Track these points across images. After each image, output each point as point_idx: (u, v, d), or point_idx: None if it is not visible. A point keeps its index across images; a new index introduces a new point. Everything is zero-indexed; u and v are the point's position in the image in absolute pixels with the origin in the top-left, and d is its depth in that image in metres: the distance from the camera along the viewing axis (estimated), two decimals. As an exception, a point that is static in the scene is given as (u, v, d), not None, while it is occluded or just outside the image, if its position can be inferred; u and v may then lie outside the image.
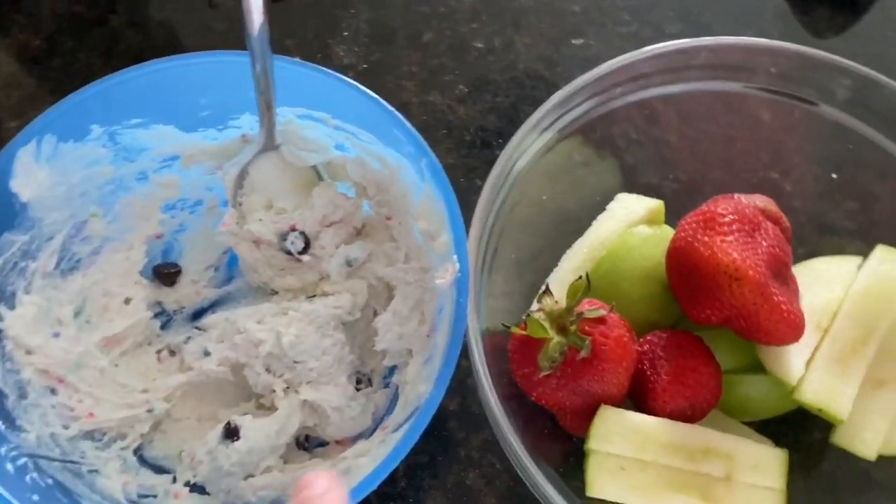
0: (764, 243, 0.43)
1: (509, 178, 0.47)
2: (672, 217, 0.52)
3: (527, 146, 0.48)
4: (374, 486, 0.36)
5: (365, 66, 0.62)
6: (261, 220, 0.48)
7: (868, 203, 0.55)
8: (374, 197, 0.49)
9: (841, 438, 0.46)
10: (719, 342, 0.47)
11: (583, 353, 0.42)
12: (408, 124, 0.43)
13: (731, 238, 0.43)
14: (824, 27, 0.66)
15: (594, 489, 0.42)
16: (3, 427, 0.41)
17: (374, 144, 0.46)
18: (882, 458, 0.46)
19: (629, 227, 0.51)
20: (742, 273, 0.42)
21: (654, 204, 0.52)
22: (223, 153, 0.49)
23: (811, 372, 0.45)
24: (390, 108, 0.44)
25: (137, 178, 0.49)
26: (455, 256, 0.40)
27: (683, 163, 0.58)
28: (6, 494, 0.36)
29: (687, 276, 0.45)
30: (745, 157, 0.58)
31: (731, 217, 0.44)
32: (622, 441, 0.43)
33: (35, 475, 0.40)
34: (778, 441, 0.47)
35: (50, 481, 0.40)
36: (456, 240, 0.41)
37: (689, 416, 0.45)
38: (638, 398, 0.46)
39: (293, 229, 0.48)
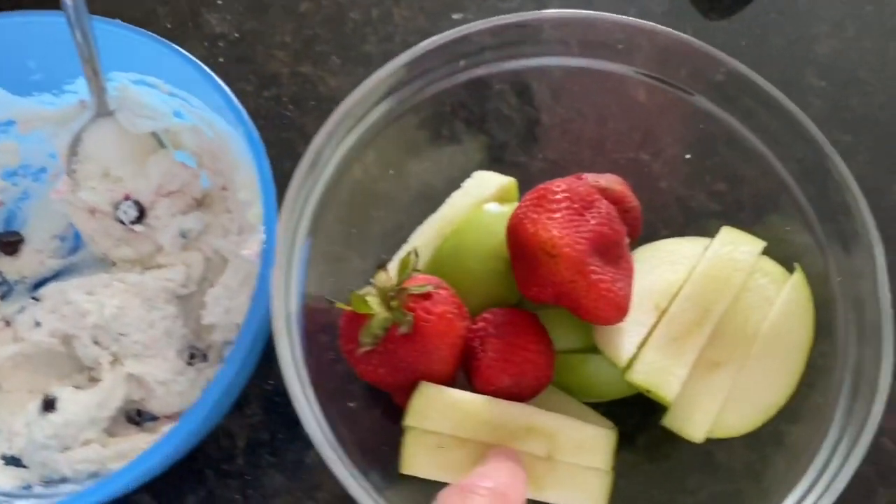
0: (592, 221, 0.43)
1: (344, 144, 0.46)
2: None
3: (364, 113, 0.46)
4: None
5: (237, 35, 0.60)
6: (93, 188, 0.47)
7: (734, 186, 0.54)
8: (210, 166, 0.47)
9: (671, 421, 0.45)
10: (561, 321, 0.47)
11: (402, 329, 0.41)
12: (226, 88, 0.42)
13: (557, 215, 0.42)
14: (710, 6, 0.65)
15: (408, 466, 0.42)
16: None
17: (205, 111, 0.45)
18: (724, 441, 0.46)
19: (480, 203, 0.50)
20: (558, 250, 0.41)
21: (506, 181, 0.50)
22: (62, 118, 0.48)
23: (644, 353, 0.44)
24: (209, 72, 0.42)
25: (-30, 143, 0.48)
26: (262, 228, 0.39)
27: (554, 142, 0.57)
28: None
29: (519, 253, 0.44)
30: (616, 137, 0.57)
31: (562, 195, 0.43)
32: (440, 417, 0.42)
33: None
34: (625, 423, 0.47)
35: None
36: (266, 211, 0.40)
37: (515, 394, 0.44)
38: (468, 375, 0.45)
39: (127, 198, 0.47)
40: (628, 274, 0.44)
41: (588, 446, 0.43)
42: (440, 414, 0.42)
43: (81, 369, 0.48)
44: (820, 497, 0.39)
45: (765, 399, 0.45)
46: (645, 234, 0.50)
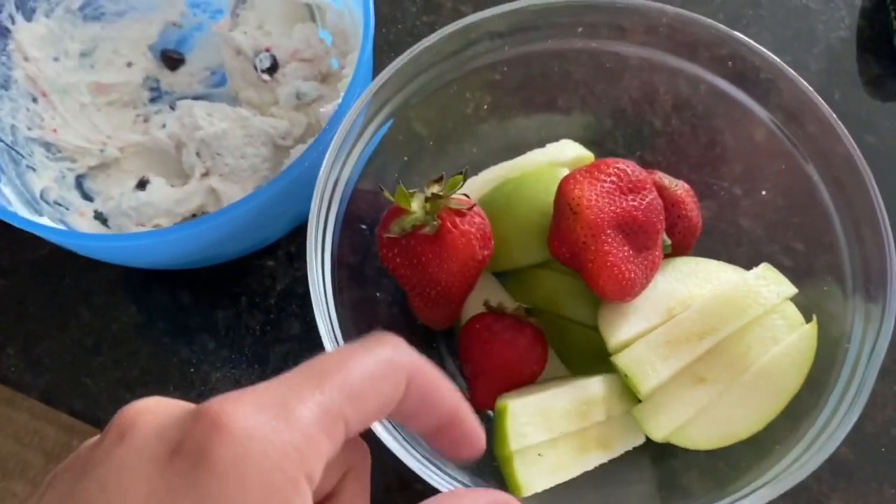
0: (630, 202, 0.45)
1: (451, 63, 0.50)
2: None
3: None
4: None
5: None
6: (245, 32, 0.55)
7: (811, 250, 0.54)
8: (339, 47, 0.54)
9: (639, 412, 0.46)
10: (577, 290, 0.49)
11: (427, 230, 0.46)
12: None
13: (598, 186, 0.45)
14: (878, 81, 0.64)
15: (528, 489, 0.43)
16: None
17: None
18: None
19: (553, 164, 0.53)
20: (581, 209, 0.44)
21: (584, 153, 0.54)
22: (245, -28, 0.57)
23: (639, 343, 0.46)
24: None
25: (170, -34, 0.57)
26: (342, 97, 0.45)
27: (659, 147, 0.59)
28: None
29: (555, 207, 0.47)
30: (718, 163, 0.58)
31: (614, 171, 0.46)
32: (534, 429, 0.44)
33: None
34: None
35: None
36: (356, 74, 0.45)
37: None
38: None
39: (267, 50, 0.55)
40: (649, 266, 0.46)
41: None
42: (533, 426, 0.44)
43: (181, 174, 0.57)
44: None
45: (733, 427, 0.46)
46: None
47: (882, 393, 0.42)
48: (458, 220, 0.47)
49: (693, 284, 0.48)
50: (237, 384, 0.54)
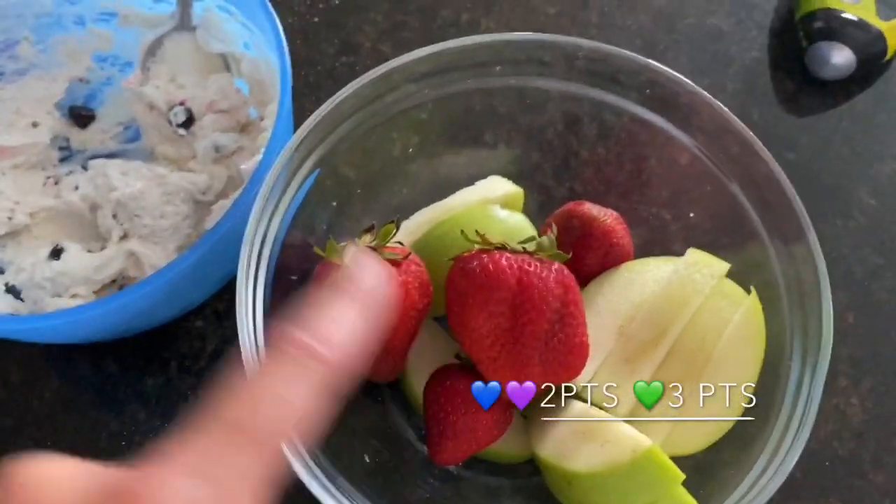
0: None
1: (376, 106, 0.49)
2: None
3: (403, 81, 0.50)
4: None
5: (337, 2, 0.66)
6: (158, 87, 0.53)
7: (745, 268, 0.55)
8: (258, 97, 0.53)
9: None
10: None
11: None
12: (275, 17, 0.46)
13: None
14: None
15: None
16: None
17: (268, 48, 0.50)
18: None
19: (484, 202, 0.52)
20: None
21: (513, 190, 0.53)
22: (153, 22, 0.55)
23: (599, 373, 0.46)
24: (269, 7, 0.47)
25: (75, 21, 0.55)
26: (262, 149, 0.44)
27: (585, 176, 0.59)
28: None
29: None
30: (645, 189, 0.58)
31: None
32: None
33: None
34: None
35: None
36: (277, 127, 0.44)
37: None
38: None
39: (182, 104, 0.53)
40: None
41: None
42: None
43: (97, 238, 0.54)
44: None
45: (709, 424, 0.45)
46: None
47: (822, 409, 0.42)
48: (394, 270, 0.46)
49: (634, 294, 0.48)
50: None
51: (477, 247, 0.47)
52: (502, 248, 0.46)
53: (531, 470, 0.49)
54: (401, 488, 0.49)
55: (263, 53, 0.51)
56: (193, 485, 0.20)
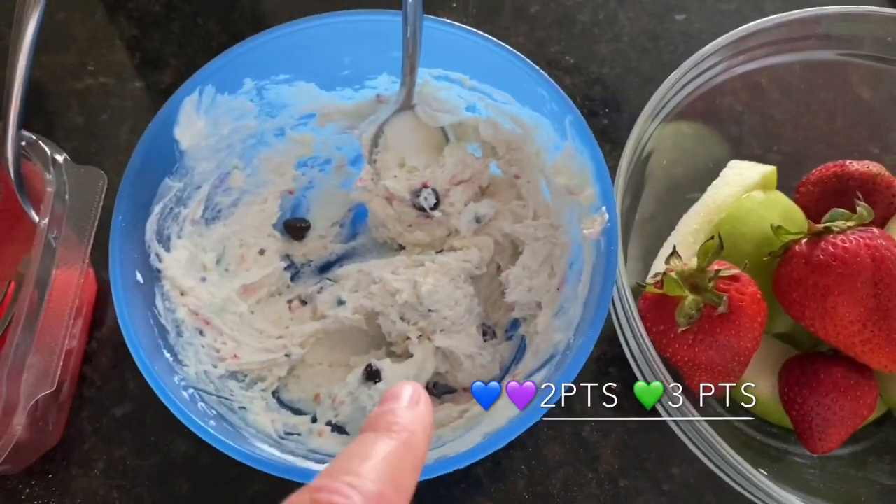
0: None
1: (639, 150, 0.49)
2: (779, 185, 0.54)
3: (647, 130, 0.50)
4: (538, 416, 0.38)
5: (474, 36, 0.64)
6: (395, 176, 0.51)
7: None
8: (504, 156, 0.51)
9: None
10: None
11: (721, 309, 0.44)
12: (552, 82, 0.45)
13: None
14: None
15: None
16: (171, 360, 0.43)
17: (510, 105, 0.48)
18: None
19: (745, 192, 0.52)
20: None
21: (767, 170, 0.53)
22: (357, 113, 0.52)
23: None
24: (534, 66, 0.45)
25: (276, 133, 0.52)
26: (604, 208, 0.42)
27: (787, 135, 0.60)
28: (191, 416, 0.38)
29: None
30: (846, 130, 0.60)
31: None
32: None
33: (203, 405, 0.42)
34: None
35: (214, 412, 0.43)
36: (603, 192, 0.43)
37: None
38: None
39: (425, 186, 0.50)
40: None
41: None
42: None
43: (378, 345, 0.52)
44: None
45: None
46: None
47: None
48: (738, 285, 0.45)
49: None
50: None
51: (788, 238, 0.48)
52: (826, 231, 0.46)
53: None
54: None
55: (504, 110, 0.49)
56: None
